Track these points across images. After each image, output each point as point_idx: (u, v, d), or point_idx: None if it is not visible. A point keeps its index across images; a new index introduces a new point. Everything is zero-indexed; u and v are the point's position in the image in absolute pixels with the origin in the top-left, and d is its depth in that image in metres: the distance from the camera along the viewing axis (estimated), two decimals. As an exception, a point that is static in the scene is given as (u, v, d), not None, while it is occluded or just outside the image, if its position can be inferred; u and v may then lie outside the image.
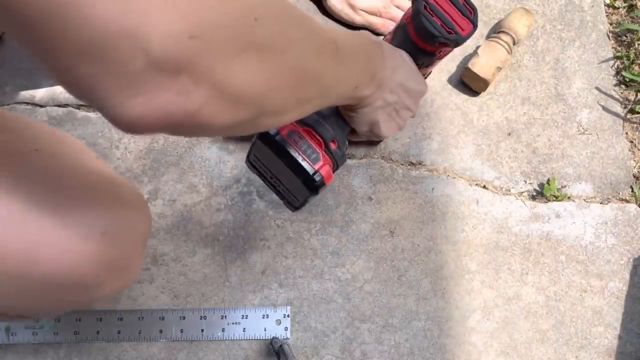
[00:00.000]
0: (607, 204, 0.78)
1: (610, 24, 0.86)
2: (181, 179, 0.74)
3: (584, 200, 0.78)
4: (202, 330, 0.69)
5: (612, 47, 0.84)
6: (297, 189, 0.53)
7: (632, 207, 0.78)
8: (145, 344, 0.69)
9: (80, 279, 0.41)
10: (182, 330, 0.69)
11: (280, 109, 0.37)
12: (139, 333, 0.69)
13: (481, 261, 0.74)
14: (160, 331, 0.69)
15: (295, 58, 0.35)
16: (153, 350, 0.69)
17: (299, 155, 0.51)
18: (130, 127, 0.29)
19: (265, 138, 0.51)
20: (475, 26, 0.58)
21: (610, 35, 0.85)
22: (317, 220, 0.74)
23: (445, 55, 0.64)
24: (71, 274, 0.40)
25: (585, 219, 0.77)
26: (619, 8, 0.87)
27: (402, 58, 0.57)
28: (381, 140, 0.75)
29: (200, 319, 0.70)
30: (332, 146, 0.53)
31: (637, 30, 0.84)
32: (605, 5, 0.86)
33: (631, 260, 0.76)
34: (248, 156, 0.56)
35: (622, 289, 0.75)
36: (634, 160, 0.80)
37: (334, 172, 0.54)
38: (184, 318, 0.69)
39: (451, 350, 0.72)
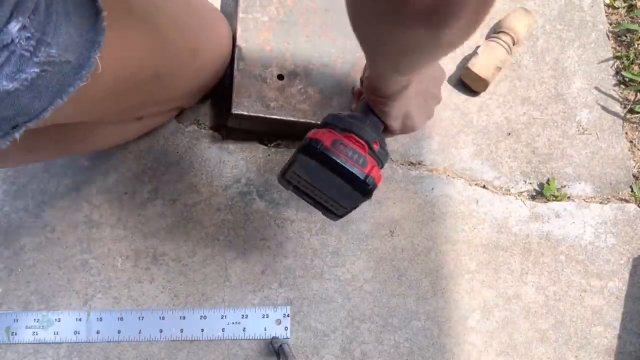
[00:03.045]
0: (606, 203, 0.78)
1: (610, 24, 0.86)
2: (181, 179, 0.74)
3: (584, 200, 0.78)
4: (202, 330, 0.69)
5: (612, 47, 0.84)
6: (347, 196, 0.53)
7: (632, 207, 0.78)
8: (145, 343, 0.69)
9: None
10: (182, 330, 0.69)
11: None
12: (139, 333, 0.69)
13: (481, 261, 0.74)
14: (160, 331, 0.69)
15: None
16: (153, 350, 0.69)
17: (347, 162, 0.51)
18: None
19: (309, 151, 0.51)
20: None
21: (610, 35, 0.85)
22: (317, 220, 0.74)
23: None
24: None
25: (585, 218, 0.77)
26: (618, 8, 0.87)
27: None
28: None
29: (200, 319, 0.70)
30: (375, 147, 0.53)
31: (636, 30, 0.84)
32: (605, 5, 0.86)
33: (631, 260, 0.76)
34: (283, 174, 0.56)
35: (621, 289, 0.75)
36: (634, 160, 0.80)
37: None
38: (184, 318, 0.70)
39: (451, 350, 0.72)
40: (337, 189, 0.53)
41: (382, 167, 0.54)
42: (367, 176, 0.51)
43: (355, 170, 0.51)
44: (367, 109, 0.56)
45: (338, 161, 0.50)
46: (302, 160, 0.52)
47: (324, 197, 0.56)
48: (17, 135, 0.41)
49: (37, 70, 0.37)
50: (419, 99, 0.57)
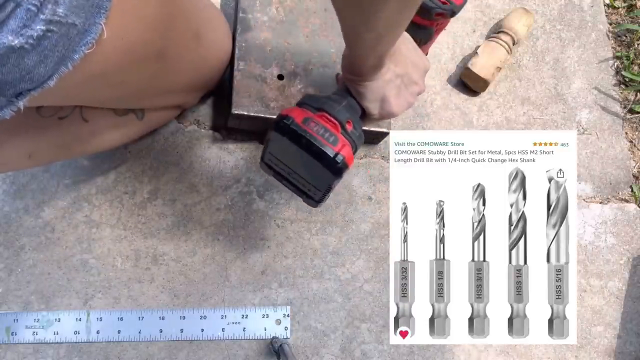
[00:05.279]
0: (606, 203, 0.78)
1: (610, 24, 0.86)
2: (181, 179, 0.74)
3: (584, 200, 0.78)
4: (202, 330, 0.69)
5: (612, 47, 0.84)
6: (319, 177, 0.53)
7: (632, 206, 0.78)
8: (145, 343, 0.69)
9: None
10: (182, 330, 0.69)
11: None
12: (139, 333, 0.69)
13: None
14: (160, 331, 0.69)
15: None
16: (153, 350, 0.69)
17: (317, 139, 0.51)
18: None
19: (280, 128, 0.52)
20: None
21: (610, 35, 0.85)
22: (317, 220, 0.74)
23: (442, 28, 0.66)
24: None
25: (585, 218, 0.77)
26: (618, 8, 0.87)
27: (404, 33, 0.57)
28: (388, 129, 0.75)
29: (200, 319, 0.70)
30: (348, 127, 0.53)
31: (636, 30, 0.84)
32: (604, 5, 0.86)
33: (630, 259, 0.76)
34: (262, 157, 0.56)
35: (621, 289, 0.75)
36: (634, 160, 0.80)
37: (354, 153, 0.54)
38: (184, 318, 0.70)
39: (451, 350, 0.72)
40: (310, 169, 0.53)
41: (356, 149, 0.54)
42: (336, 154, 0.51)
43: (325, 148, 0.51)
44: (346, 91, 0.57)
45: (308, 138, 0.51)
46: (275, 139, 0.53)
47: (301, 180, 0.56)
48: (20, 104, 0.40)
49: (43, 28, 0.37)
50: (397, 82, 0.57)
